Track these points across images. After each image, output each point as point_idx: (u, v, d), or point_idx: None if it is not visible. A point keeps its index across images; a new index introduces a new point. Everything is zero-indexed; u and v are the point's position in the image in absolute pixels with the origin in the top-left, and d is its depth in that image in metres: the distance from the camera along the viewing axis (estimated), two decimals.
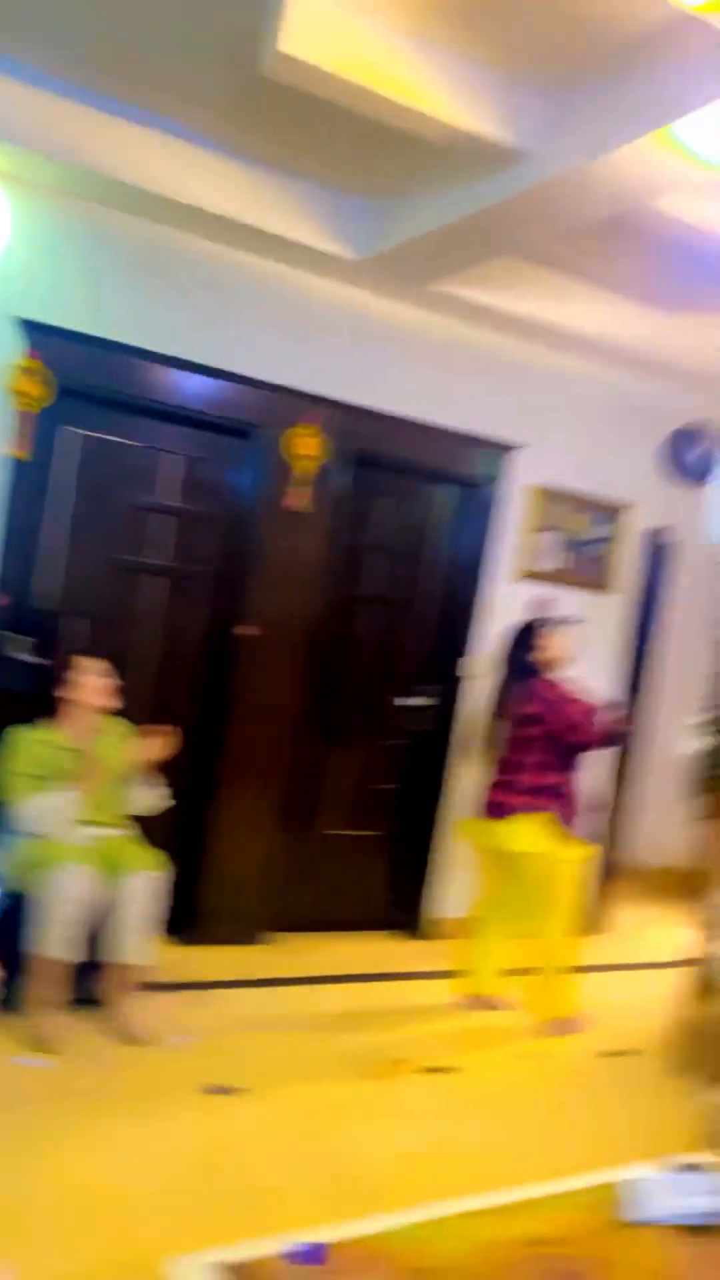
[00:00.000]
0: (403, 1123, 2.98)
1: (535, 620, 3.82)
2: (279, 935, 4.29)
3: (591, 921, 4.99)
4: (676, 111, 2.33)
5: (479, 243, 3.43)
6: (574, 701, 3.60)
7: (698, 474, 5.19)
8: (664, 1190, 1.97)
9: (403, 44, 2.55)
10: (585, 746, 3.63)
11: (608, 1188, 2.02)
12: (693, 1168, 2.04)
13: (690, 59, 2.30)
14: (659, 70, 2.41)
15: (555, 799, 3.60)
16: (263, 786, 4.16)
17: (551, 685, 3.65)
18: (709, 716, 5.84)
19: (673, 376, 4.69)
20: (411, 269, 3.74)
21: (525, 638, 3.78)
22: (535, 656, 3.71)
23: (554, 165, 2.77)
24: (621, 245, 3.52)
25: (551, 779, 3.61)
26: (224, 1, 2.48)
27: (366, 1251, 1.71)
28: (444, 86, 2.63)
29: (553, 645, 3.72)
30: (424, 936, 4.55)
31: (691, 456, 5.12)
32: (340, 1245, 1.68)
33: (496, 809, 3.66)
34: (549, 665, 3.71)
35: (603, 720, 3.60)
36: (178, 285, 3.80)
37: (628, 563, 4.93)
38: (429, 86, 2.62)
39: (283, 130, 3.19)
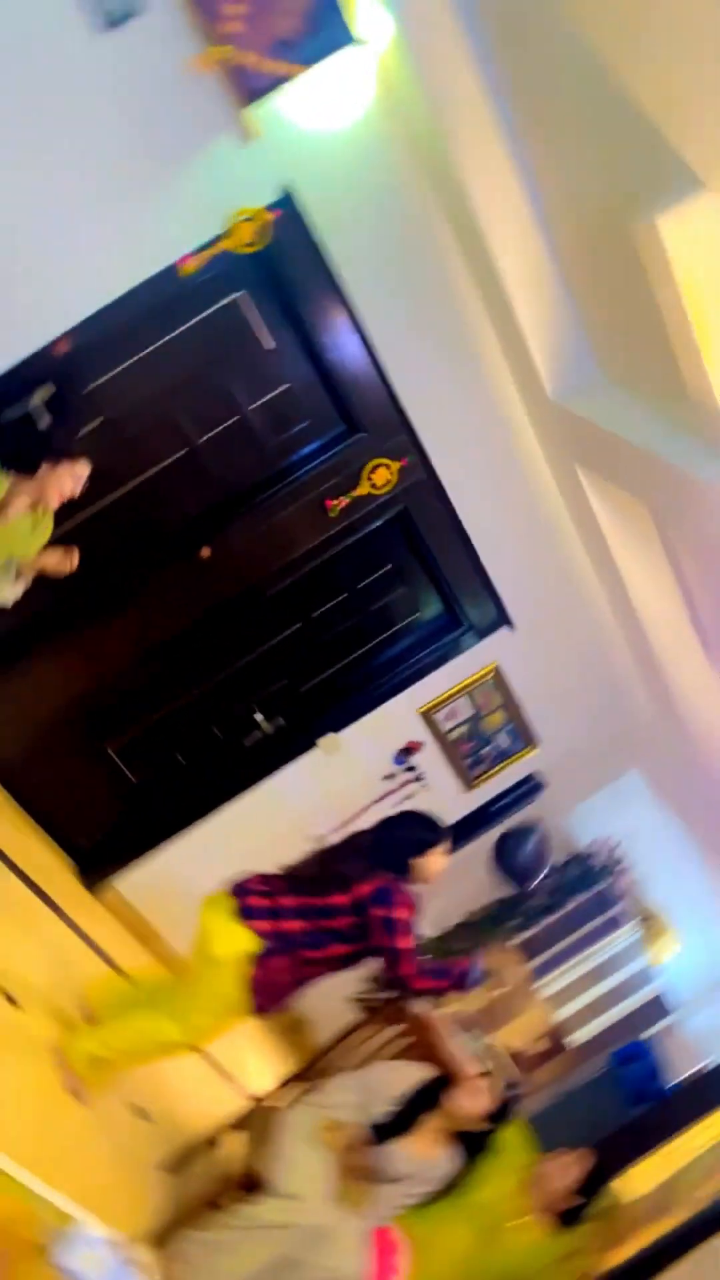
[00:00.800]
0: None
1: (441, 826, 3.25)
2: None
3: None
4: None
5: (635, 479, 3.56)
6: (408, 941, 3.03)
7: (524, 874, 5.23)
8: (84, 1248, 1.97)
9: None
10: (402, 985, 3.14)
11: (50, 1209, 2.03)
12: (113, 1245, 2.05)
13: None
14: None
15: (290, 953, 3.06)
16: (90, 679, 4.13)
17: (406, 904, 3.04)
18: None
19: (655, 679, 4.83)
20: (576, 443, 3.85)
21: (420, 834, 3.17)
22: (415, 861, 3.12)
23: None
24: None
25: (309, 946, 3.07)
26: (654, 156, 2.53)
27: None
28: None
29: (439, 863, 3.18)
30: (100, 897, 4.50)
31: (520, 857, 5.23)
32: None
33: (247, 912, 3.07)
34: (418, 875, 3.15)
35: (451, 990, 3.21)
36: (423, 297, 3.86)
37: (500, 783, 5.07)
38: None
39: (603, 282, 3.23)
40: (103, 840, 4.51)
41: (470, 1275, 3.23)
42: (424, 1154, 3.20)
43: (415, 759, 4.78)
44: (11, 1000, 3.18)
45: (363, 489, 4.10)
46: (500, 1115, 3.32)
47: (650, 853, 6.38)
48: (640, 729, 5.30)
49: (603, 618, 4.76)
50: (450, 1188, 3.26)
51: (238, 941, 3.02)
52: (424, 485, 4.21)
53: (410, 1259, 3.15)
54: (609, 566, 4.36)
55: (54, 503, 3.13)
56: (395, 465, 4.11)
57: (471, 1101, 3.22)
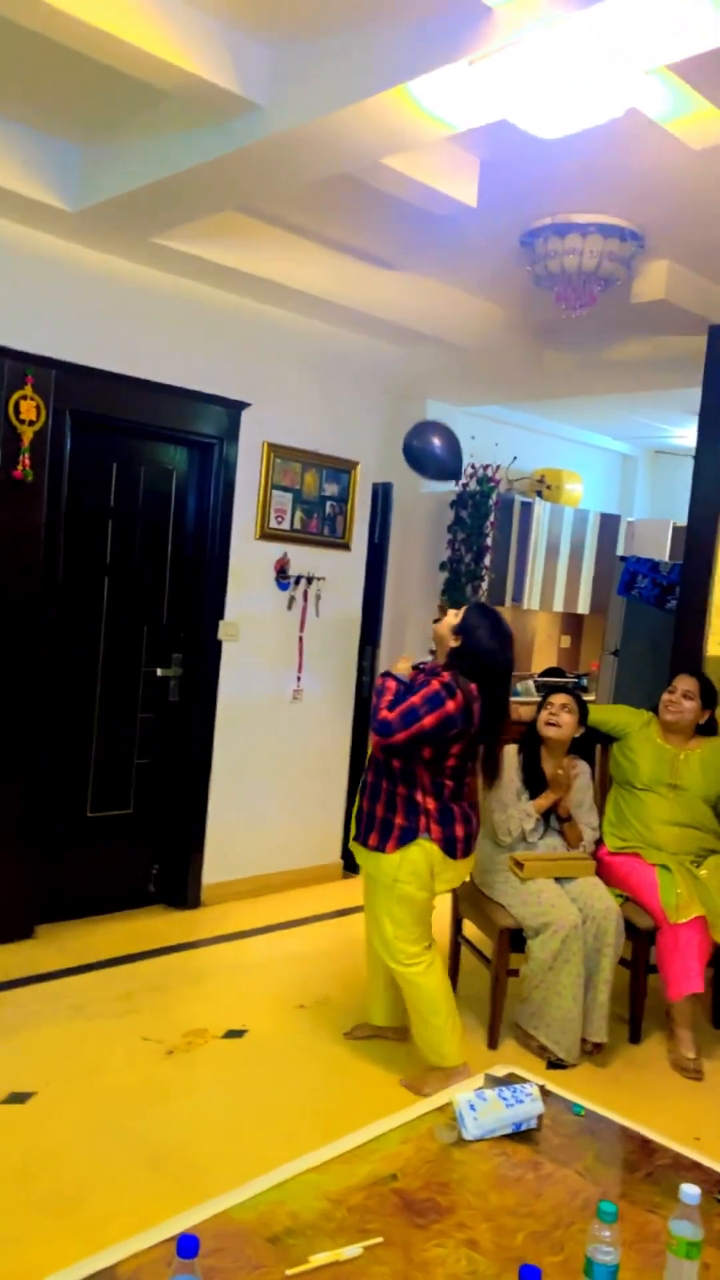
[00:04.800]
0: (210, 1093, 2.97)
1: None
2: (46, 927, 4.09)
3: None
4: (413, 70, 2.37)
5: (204, 196, 3.32)
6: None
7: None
8: (480, 1107, 2.09)
9: None
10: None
11: (430, 1116, 2.13)
12: (503, 1081, 2.20)
13: (427, 16, 2.33)
14: (396, 27, 2.42)
15: None
16: (15, 772, 3.92)
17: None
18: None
19: (393, 336, 4.83)
20: (132, 221, 3.57)
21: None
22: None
23: (285, 119, 2.72)
24: (347, 202, 3.55)
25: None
26: None
27: (220, 1230, 1.69)
28: (164, 26, 2.50)
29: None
30: (193, 906, 4.52)
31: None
32: (200, 1228, 1.65)
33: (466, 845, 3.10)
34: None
35: None
36: None
37: (359, 518, 5.06)
38: (147, 24, 2.48)
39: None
40: (170, 864, 4.46)
41: None
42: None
43: (290, 569, 4.72)
44: (234, 1034, 3.26)
45: (23, 433, 3.79)
46: None
47: None
48: None
49: None
50: None
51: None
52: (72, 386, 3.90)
53: None
54: None
55: None
56: (33, 390, 3.79)
57: None
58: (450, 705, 2.88)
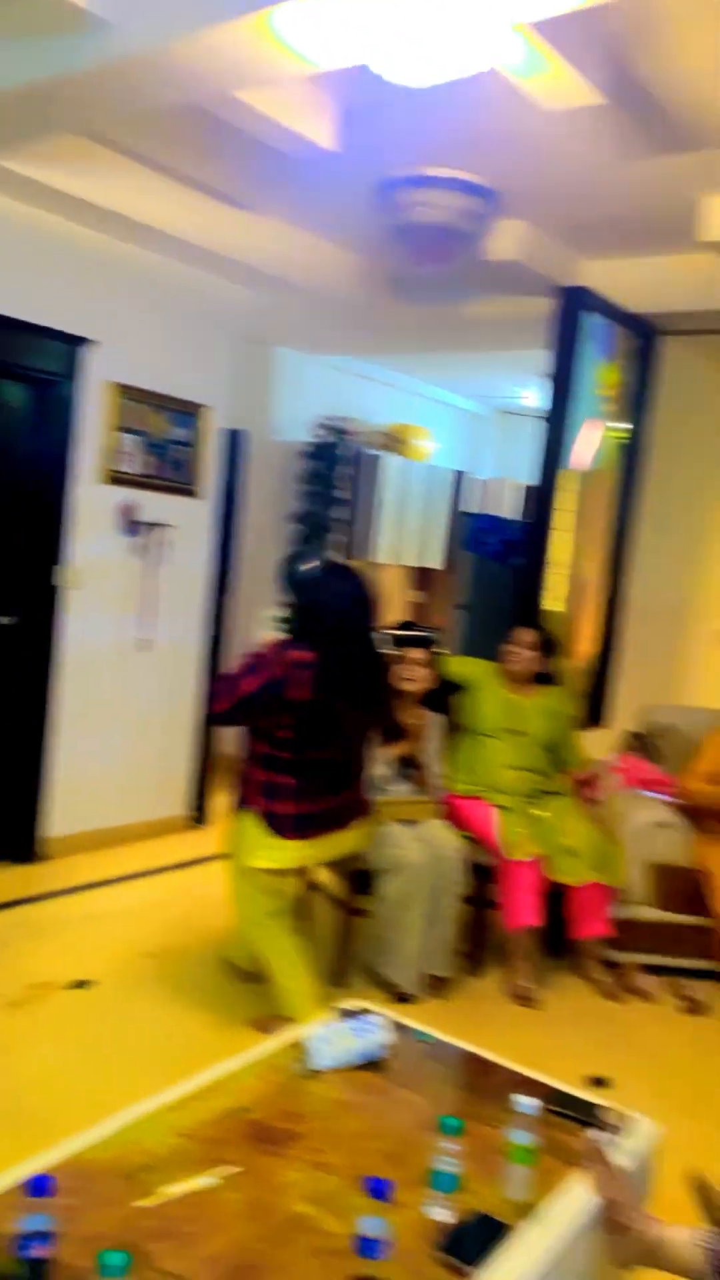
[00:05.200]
0: (56, 1045, 2.92)
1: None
2: None
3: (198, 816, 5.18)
4: None
5: (44, 115, 3.12)
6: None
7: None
8: (331, 1039, 2.15)
9: None
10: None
11: (282, 1051, 2.17)
12: (352, 1014, 2.26)
13: None
14: None
15: None
16: None
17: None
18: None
19: (245, 277, 4.74)
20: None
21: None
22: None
23: (135, 39, 2.60)
24: (200, 136, 3.44)
25: None
26: None
27: (74, 1171, 1.68)
28: None
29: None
30: (37, 859, 4.41)
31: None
32: (54, 1169, 1.64)
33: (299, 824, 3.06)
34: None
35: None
36: None
37: (209, 465, 4.98)
38: None
39: None
40: (9, 818, 4.33)
41: None
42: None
43: (138, 514, 4.61)
44: (80, 984, 3.22)
45: None
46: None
47: None
48: None
49: None
50: None
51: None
52: None
53: None
54: None
55: None
56: None
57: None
58: (268, 672, 2.87)
